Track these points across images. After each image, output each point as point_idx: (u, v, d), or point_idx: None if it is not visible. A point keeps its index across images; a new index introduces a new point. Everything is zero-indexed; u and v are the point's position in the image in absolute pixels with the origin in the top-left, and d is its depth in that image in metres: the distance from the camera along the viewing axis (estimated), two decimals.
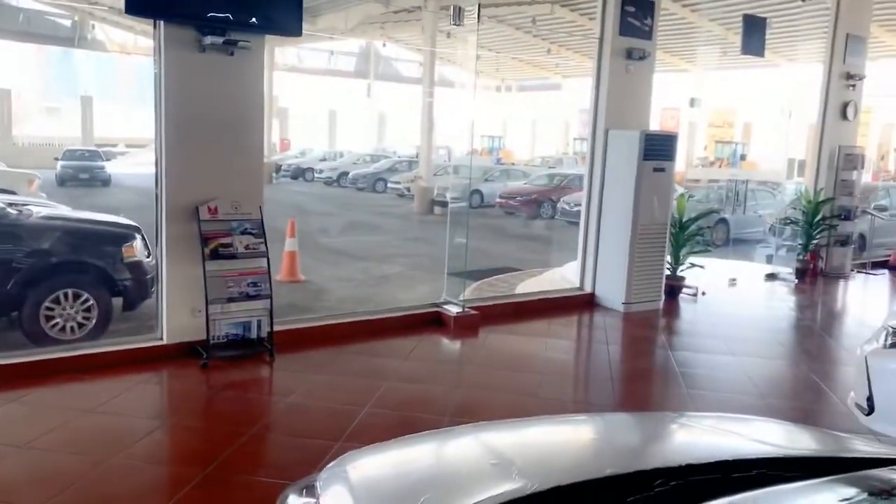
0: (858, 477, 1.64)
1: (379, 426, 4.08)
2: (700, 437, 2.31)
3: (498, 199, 18.46)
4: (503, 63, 32.01)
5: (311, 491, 1.75)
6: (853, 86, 9.61)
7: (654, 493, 1.61)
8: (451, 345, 6.01)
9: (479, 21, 8.10)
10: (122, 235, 6.13)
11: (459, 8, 7.17)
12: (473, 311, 6.41)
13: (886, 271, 10.19)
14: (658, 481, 1.63)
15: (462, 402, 4.61)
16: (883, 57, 18.94)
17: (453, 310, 6.35)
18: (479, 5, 7.57)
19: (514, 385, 5.00)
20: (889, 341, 3.93)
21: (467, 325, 6.25)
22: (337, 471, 1.80)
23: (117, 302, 5.92)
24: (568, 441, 2.13)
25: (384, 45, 29.71)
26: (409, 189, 20.61)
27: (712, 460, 1.80)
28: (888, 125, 22.63)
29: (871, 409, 3.90)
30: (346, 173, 24.80)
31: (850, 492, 1.53)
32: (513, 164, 26.81)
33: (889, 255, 10.65)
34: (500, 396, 4.73)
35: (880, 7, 12.25)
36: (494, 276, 8.76)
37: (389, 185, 22.47)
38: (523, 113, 34.67)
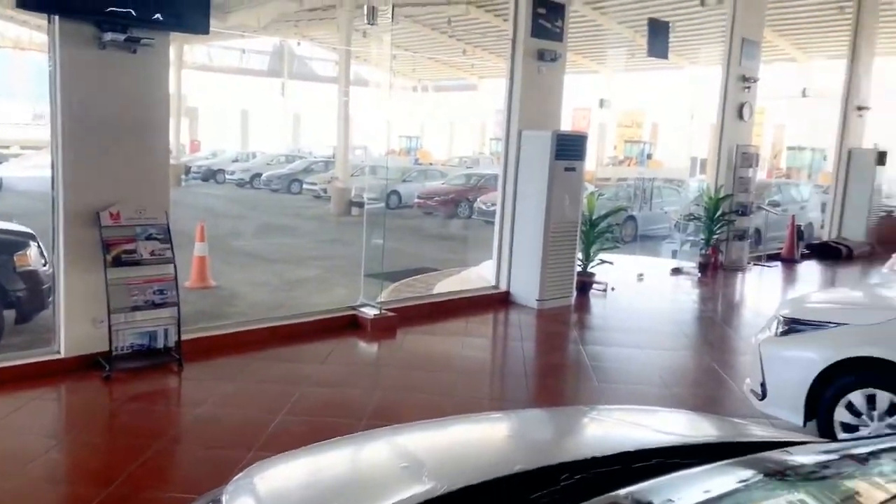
0: (754, 460, 1.73)
1: (293, 434, 4.01)
2: (607, 429, 2.40)
3: (416, 200, 18.50)
4: (419, 63, 32.07)
5: None
6: (748, 88, 10.18)
7: (560, 487, 1.65)
8: (367, 348, 5.97)
9: (393, 20, 8.08)
10: (14, 243, 5.76)
11: (373, 7, 7.14)
12: (391, 313, 6.40)
13: (779, 263, 10.86)
14: (564, 475, 1.67)
15: (379, 404, 4.60)
16: (776, 60, 20.15)
17: (370, 312, 6.32)
18: (392, 5, 7.56)
19: (431, 385, 5.02)
20: (780, 329, 4.19)
21: (384, 328, 6.23)
22: (244, 483, 1.76)
23: (10, 314, 5.56)
24: (479, 440, 2.16)
25: (298, 43, 29.20)
26: (325, 190, 20.32)
27: (617, 452, 1.87)
28: (779, 125, 24.11)
29: (764, 395, 4.15)
30: (259, 175, 24.21)
31: (747, 474, 1.62)
32: (430, 164, 26.92)
33: (781, 248, 11.34)
34: (417, 397, 4.74)
35: (773, 12, 13.03)
36: (412, 277, 8.77)
37: (305, 186, 22.07)
38: (441, 113, 34.86)
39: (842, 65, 12.59)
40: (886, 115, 14.43)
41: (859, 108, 12.44)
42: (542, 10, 7.30)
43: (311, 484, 1.77)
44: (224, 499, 1.69)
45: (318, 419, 4.27)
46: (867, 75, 12.52)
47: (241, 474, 1.83)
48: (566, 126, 8.42)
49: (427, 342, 6.13)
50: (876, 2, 12.50)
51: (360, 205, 16.10)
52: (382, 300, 6.71)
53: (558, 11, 7.46)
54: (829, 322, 4.03)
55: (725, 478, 1.61)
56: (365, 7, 6.92)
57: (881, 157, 12.36)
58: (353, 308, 6.42)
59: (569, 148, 7.27)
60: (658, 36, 9.45)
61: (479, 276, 8.45)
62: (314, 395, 4.65)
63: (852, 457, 1.67)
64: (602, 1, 18.34)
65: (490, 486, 1.62)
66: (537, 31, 7.32)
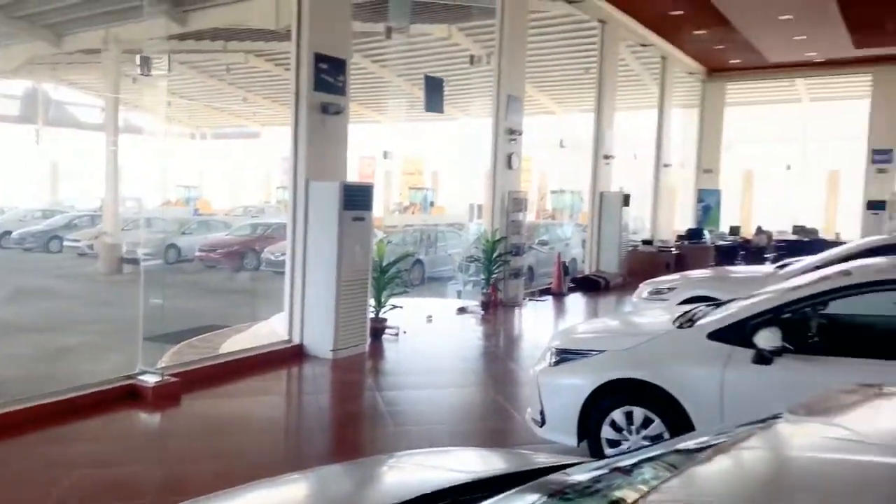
0: (538, 484, 1.89)
1: None
2: (403, 476, 2.48)
3: (197, 253, 17.52)
4: (197, 110, 30.77)
5: None
6: (514, 139, 11.18)
7: None
8: (149, 419, 5.51)
9: (169, 69, 7.76)
10: None
11: (147, 58, 6.79)
12: (174, 379, 5.97)
13: (550, 297, 11.92)
14: None
15: (164, 480, 4.26)
16: (538, 113, 22.37)
17: (150, 380, 5.84)
18: (168, 54, 7.25)
19: (222, 452, 4.77)
20: (552, 360, 4.62)
21: (167, 395, 5.79)
22: None
23: None
24: (306, 494, 2.13)
25: (56, 87, 26.58)
26: (91, 247, 18.49)
27: (415, 496, 1.94)
28: (543, 172, 26.72)
29: (543, 421, 4.52)
30: (8, 232, 21.37)
31: (533, 497, 1.77)
32: (212, 214, 25.73)
33: (551, 283, 12.47)
34: (208, 467, 4.47)
35: (533, 70, 14.52)
36: (197, 337, 8.27)
37: (66, 243, 19.87)
38: (221, 161, 33.58)
39: (590, 118, 14.35)
40: (627, 162, 16.68)
41: (605, 157, 14.23)
42: (324, 66, 7.45)
43: None
44: None
45: None
46: (610, 128, 14.39)
47: None
48: (352, 173, 8.59)
49: (216, 406, 5.81)
50: (614, 64, 14.50)
51: (134, 261, 14.90)
52: (164, 365, 6.26)
53: (340, 67, 7.67)
54: (592, 350, 4.52)
55: None
56: (138, 57, 6.56)
57: (626, 199, 14.21)
58: (131, 377, 5.89)
59: (356, 198, 7.42)
60: (434, 91, 10.09)
61: (270, 331, 8.21)
62: (88, 478, 4.19)
63: (619, 469, 1.90)
64: (382, 55, 19.12)
65: None
66: (320, 84, 7.45)
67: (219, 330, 8.72)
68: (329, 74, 7.55)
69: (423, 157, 30.04)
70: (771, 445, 1.41)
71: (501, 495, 1.82)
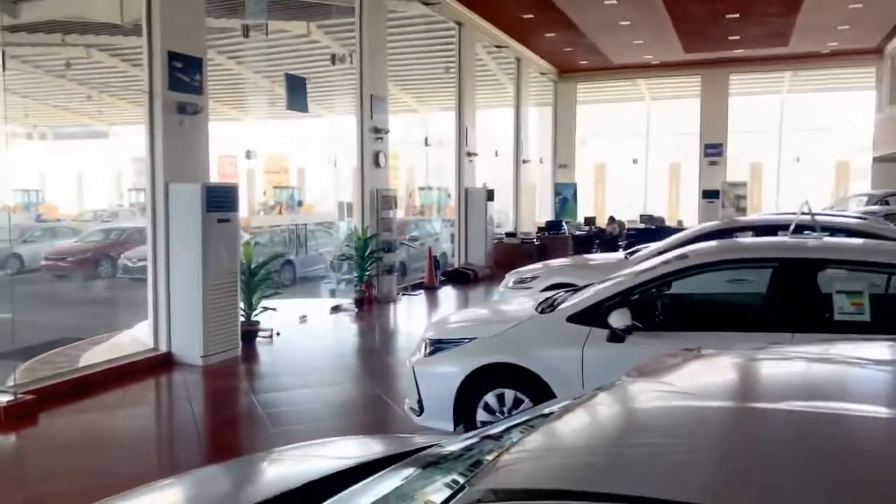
0: (414, 459, 2.05)
1: None
2: (288, 467, 2.55)
3: (43, 262, 16.20)
4: (33, 108, 28.27)
5: None
6: (381, 138, 11.32)
7: None
8: (3, 440, 5.14)
9: (3, 66, 7.20)
10: None
11: None
12: (29, 396, 5.60)
13: (423, 291, 12.20)
14: None
15: (27, 501, 4.03)
16: (402, 111, 22.62)
17: (2, 399, 5.45)
18: (2, 50, 6.74)
19: (91, 468, 4.56)
20: (427, 351, 4.82)
21: (22, 414, 5.42)
22: None
23: None
24: (182, 498, 2.14)
25: None
26: None
27: (302, 483, 2.04)
28: (410, 168, 27.07)
29: (421, 410, 4.72)
30: None
31: (409, 471, 1.92)
32: (58, 220, 23.82)
33: (423, 278, 12.76)
34: (75, 484, 4.27)
35: (394, 69, 14.71)
36: (50, 352, 7.72)
37: None
38: (65, 163, 31.09)
39: (453, 116, 14.77)
40: (489, 158, 17.30)
41: (469, 154, 14.72)
42: (178, 64, 7.21)
43: None
44: None
45: None
46: (472, 126, 14.90)
47: None
48: (213, 173, 8.36)
49: (79, 422, 5.51)
50: (473, 64, 15.00)
51: None
52: (16, 383, 5.83)
53: (196, 65, 7.44)
54: (464, 338, 4.77)
55: (392, 479, 1.89)
56: None
57: (490, 194, 14.78)
58: None
59: (220, 199, 7.26)
60: (296, 90, 9.98)
61: (133, 340, 7.83)
62: None
63: (490, 437, 2.09)
64: (240, 53, 18.57)
65: None
66: (175, 84, 7.19)
67: (74, 343, 8.19)
68: (185, 73, 7.32)
69: (287, 155, 29.42)
70: (610, 401, 1.67)
71: (379, 473, 1.95)
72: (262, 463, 2.66)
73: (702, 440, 1.29)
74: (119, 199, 30.68)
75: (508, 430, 1.96)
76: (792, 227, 4.99)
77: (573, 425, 1.63)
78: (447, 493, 1.42)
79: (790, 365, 1.86)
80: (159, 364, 7.02)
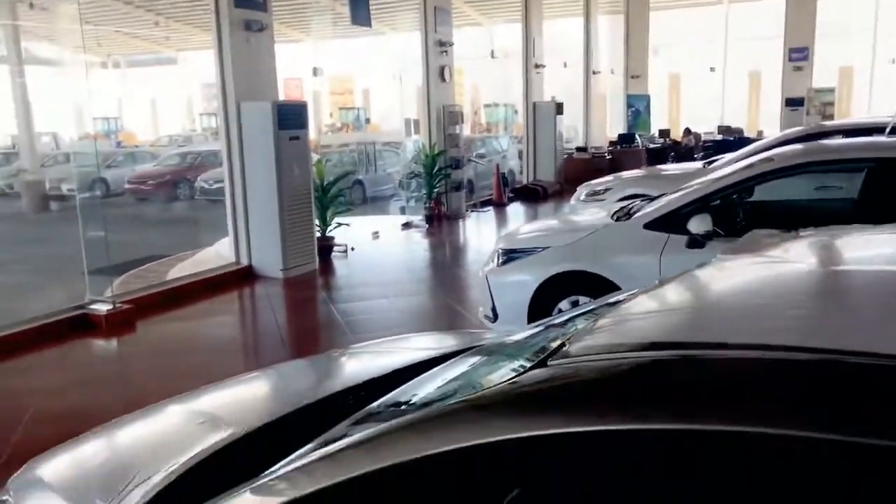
0: (481, 348, 2.07)
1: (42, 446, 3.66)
2: (374, 358, 2.66)
3: (127, 185, 16.93)
4: (105, 37, 28.87)
5: None
6: (445, 51, 11.08)
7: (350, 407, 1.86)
8: (106, 345, 5.55)
9: None
10: None
11: None
12: (127, 306, 5.98)
13: (491, 208, 12.17)
14: (350, 398, 1.88)
15: (133, 401, 4.34)
16: (465, 25, 22.00)
17: (102, 308, 5.84)
18: None
19: (186, 371, 4.87)
20: (500, 261, 4.85)
21: (122, 321, 5.81)
22: (27, 477, 1.67)
23: None
24: (262, 390, 2.28)
25: None
26: (11, 186, 17.60)
27: (389, 371, 2.12)
28: (475, 85, 26.52)
29: (496, 317, 4.80)
30: None
31: (475, 359, 1.93)
32: (137, 146, 24.68)
33: (491, 195, 12.70)
34: (173, 385, 4.56)
35: None
36: (141, 267, 8.17)
37: None
38: (139, 91, 31.91)
39: (519, 28, 14.27)
40: (558, 71, 16.75)
41: (537, 66, 14.27)
42: None
43: (108, 459, 1.75)
44: (10, 498, 1.59)
45: (65, 428, 3.92)
46: (540, 37, 14.37)
47: (18, 473, 1.73)
48: (281, 96, 8.43)
49: (173, 329, 5.87)
50: None
51: (60, 198, 14.33)
52: (114, 294, 6.23)
53: None
54: (536, 248, 4.77)
55: (459, 368, 1.93)
56: None
57: (559, 108, 14.38)
58: (81, 307, 5.87)
59: (290, 117, 7.34)
60: (359, 4, 9.80)
61: (217, 255, 8.19)
62: (53, 406, 4.25)
63: (554, 325, 2.09)
64: None
65: (284, 421, 1.77)
66: (240, 0, 7.18)
67: (162, 259, 8.63)
68: None
69: (351, 75, 29.27)
70: (707, 273, 1.62)
71: (448, 361, 1.99)
72: (347, 356, 2.78)
73: (808, 296, 1.25)
74: (191, 125, 31.44)
75: (574, 318, 1.94)
76: (890, 127, 4.68)
77: (671, 293, 1.59)
78: (517, 372, 1.42)
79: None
80: (242, 277, 7.33)
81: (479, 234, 10.56)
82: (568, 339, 1.26)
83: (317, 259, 7.75)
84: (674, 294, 1.60)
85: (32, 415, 4.07)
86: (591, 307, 1.98)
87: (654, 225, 4.41)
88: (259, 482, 1.11)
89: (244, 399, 2.14)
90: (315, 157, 10.89)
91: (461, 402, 1.05)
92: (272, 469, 1.11)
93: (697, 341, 1.04)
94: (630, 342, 1.18)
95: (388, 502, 0.94)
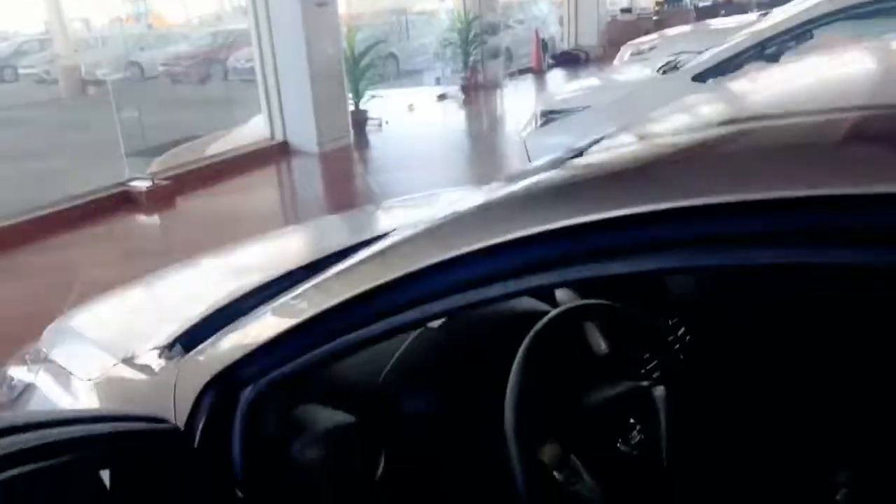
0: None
1: None
2: (405, 212, 2.59)
3: (161, 67, 16.75)
4: None
5: (34, 356, 1.61)
6: None
7: None
8: (149, 220, 5.64)
9: None
10: None
11: None
12: (166, 182, 6.02)
13: (531, 75, 11.70)
14: None
15: None
16: None
17: (142, 185, 5.89)
18: None
19: (230, 239, 4.93)
20: (539, 122, 4.66)
21: (162, 197, 5.87)
22: (61, 326, 1.69)
23: None
24: (295, 242, 2.26)
25: None
26: (48, 72, 17.58)
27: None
28: None
29: None
30: None
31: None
32: (168, 27, 24.18)
33: (531, 62, 12.17)
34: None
35: None
36: (179, 147, 8.17)
37: (21, 71, 18.85)
38: None
39: None
40: None
41: None
42: None
43: (139, 308, 1.75)
44: (42, 348, 1.61)
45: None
46: None
47: (53, 323, 1.75)
48: None
49: (214, 203, 5.92)
50: None
51: (96, 82, 14.26)
52: (153, 171, 6.27)
53: None
54: (577, 107, 4.55)
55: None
56: None
57: None
58: (122, 184, 5.93)
59: None
60: None
61: (251, 133, 8.12)
62: (104, 277, 4.34)
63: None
64: None
65: (314, 266, 1.71)
66: None
67: (198, 139, 8.60)
68: None
69: None
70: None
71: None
72: (379, 210, 2.72)
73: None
74: (220, 4, 30.52)
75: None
76: None
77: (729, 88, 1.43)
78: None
79: None
80: (278, 153, 7.28)
81: (517, 101, 10.20)
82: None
83: (351, 132, 7.62)
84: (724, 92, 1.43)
85: (84, 284, 4.20)
86: None
87: (705, 76, 4.14)
88: (279, 301, 1.08)
89: (276, 251, 2.11)
90: (344, 29, 10.50)
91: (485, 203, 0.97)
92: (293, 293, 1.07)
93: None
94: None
95: (398, 310, 0.89)
